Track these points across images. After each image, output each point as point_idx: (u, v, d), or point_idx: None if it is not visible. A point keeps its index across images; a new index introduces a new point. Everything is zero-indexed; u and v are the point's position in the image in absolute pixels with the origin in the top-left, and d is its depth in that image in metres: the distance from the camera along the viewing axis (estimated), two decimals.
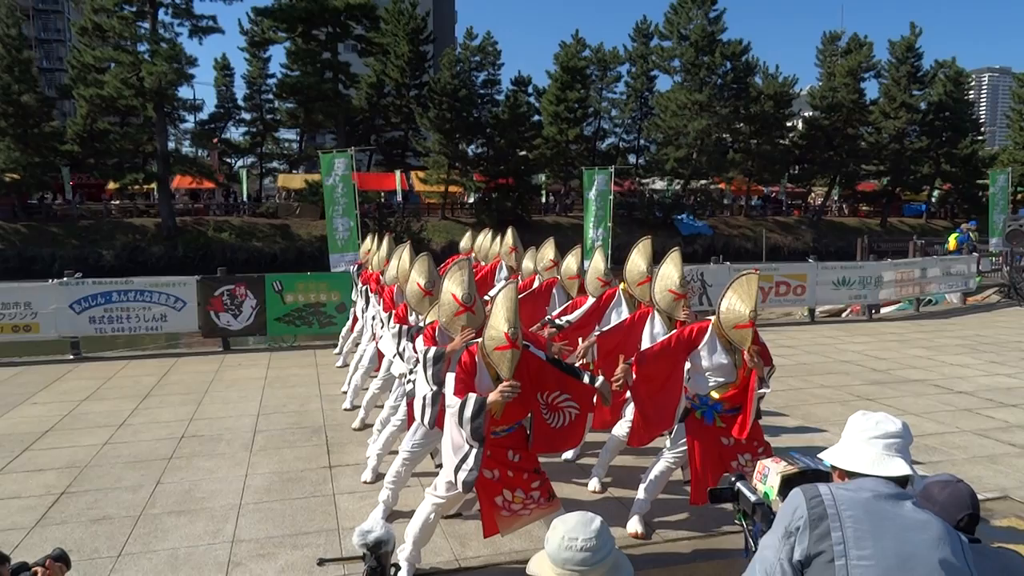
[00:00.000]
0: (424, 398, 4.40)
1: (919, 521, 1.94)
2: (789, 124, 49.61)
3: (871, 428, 2.16)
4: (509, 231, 8.84)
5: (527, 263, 7.99)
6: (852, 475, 2.11)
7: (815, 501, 1.98)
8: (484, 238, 9.68)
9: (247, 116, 45.37)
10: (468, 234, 10.67)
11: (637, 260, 5.95)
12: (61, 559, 2.20)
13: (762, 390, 4.44)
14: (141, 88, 34.04)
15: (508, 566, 4.38)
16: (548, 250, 7.65)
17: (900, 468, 2.10)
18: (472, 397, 3.73)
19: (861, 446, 2.14)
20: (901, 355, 10.80)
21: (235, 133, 46.58)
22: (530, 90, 45.76)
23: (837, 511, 1.94)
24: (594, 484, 5.62)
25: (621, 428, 5.54)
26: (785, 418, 7.45)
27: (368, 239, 10.06)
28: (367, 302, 8.36)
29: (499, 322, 3.88)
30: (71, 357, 10.72)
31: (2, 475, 5.99)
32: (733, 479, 2.61)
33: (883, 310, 15.58)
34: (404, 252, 6.73)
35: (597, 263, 6.53)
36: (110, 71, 35.15)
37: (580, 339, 5.89)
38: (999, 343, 11.78)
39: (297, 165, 47.17)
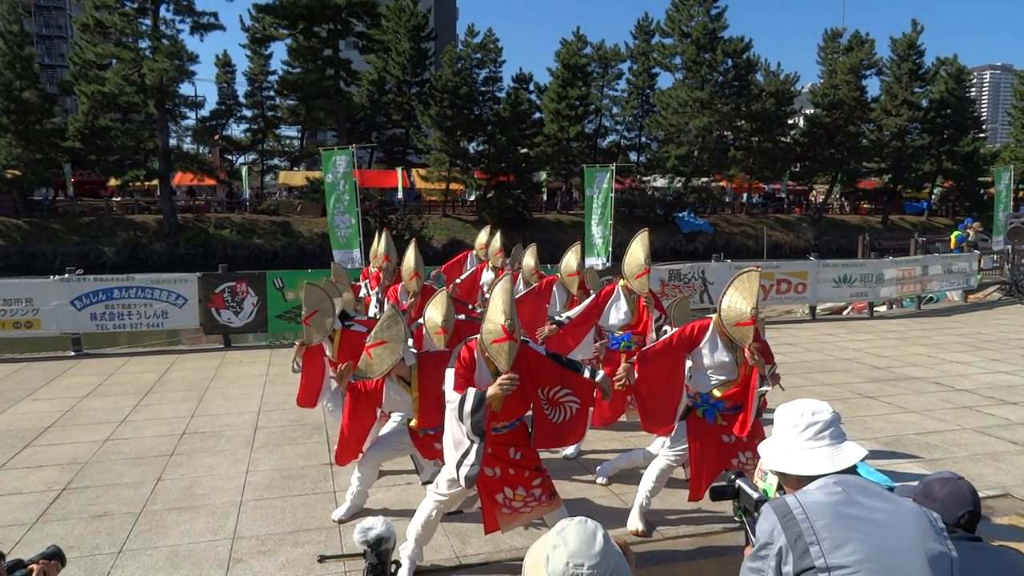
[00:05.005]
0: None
1: (890, 511, 1.93)
2: (790, 121, 49.58)
3: (809, 422, 2.11)
4: (497, 233, 8.85)
5: (528, 260, 7.97)
6: (811, 477, 2.06)
7: (788, 520, 1.94)
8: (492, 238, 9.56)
9: (248, 113, 45.34)
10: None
11: (636, 252, 5.95)
12: (56, 556, 2.19)
13: (763, 388, 4.43)
14: (142, 85, 34.02)
15: (509, 563, 4.40)
16: (530, 258, 7.75)
17: (856, 453, 2.08)
18: (472, 391, 3.73)
19: (808, 444, 2.10)
20: (902, 353, 10.80)
21: (236, 130, 46.60)
22: (531, 87, 45.72)
23: (811, 524, 1.90)
24: (601, 480, 5.69)
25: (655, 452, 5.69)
26: None
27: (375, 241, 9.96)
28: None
29: (496, 315, 3.86)
30: (72, 353, 10.73)
31: (3, 471, 6.00)
32: (733, 476, 2.61)
33: (881, 307, 15.57)
34: (410, 250, 6.95)
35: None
36: (112, 67, 35.10)
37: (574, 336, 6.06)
38: (1000, 340, 11.77)
39: (298, 162, 47.14)
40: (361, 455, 4.94)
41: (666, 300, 6.78)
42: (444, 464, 4.66)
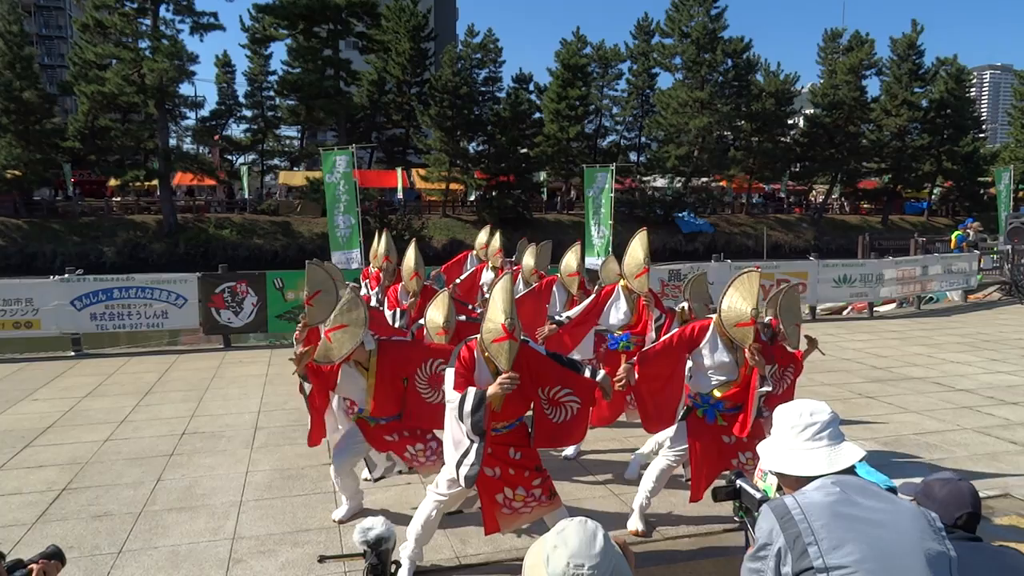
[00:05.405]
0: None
1: (888, 511, 1.93)
2: (790, 122, 49.61)
3: (808, 422, 2.11)
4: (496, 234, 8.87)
5: (527, 260, 7.97)
6: (810, 477, 2.06)
7: (787, 520, 1.94)
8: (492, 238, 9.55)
9: (248, 113, 45.36)
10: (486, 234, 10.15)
11: (636, 252, 5.97)
12: (55, 556, 2.19)
13: (764, 388, 4.44)
14: (142, 85, 34.02)
15: (509, 563, 4.39)
16: (530, 258, 7.82)
17: (854, 453, 2.08)
18: (472, 391, 3.72)
19: (806, 444, 2.10)
20: (902, 353, 10.80)
21: (236, 130, 46.64)
22: (531, 87, 45.78)
23: (809, 525, 1.91)
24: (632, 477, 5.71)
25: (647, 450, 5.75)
26: None
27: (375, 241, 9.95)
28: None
29: (496, 314, 3.86)
30: (72, 354, 10.72)
31: (3, 471, 6.00)
32: (734, 477, 2.61)
33: (881, 308, 15.57)
34: (410, 250, 6.92)
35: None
36: (111, 68, 35.10)
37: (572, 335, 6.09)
38: (1000, 341, 11.77)
39: (298, 162, 47.15)
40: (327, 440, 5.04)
41: (667, 300, 6.79)
42: (397, 457, 4.71)
